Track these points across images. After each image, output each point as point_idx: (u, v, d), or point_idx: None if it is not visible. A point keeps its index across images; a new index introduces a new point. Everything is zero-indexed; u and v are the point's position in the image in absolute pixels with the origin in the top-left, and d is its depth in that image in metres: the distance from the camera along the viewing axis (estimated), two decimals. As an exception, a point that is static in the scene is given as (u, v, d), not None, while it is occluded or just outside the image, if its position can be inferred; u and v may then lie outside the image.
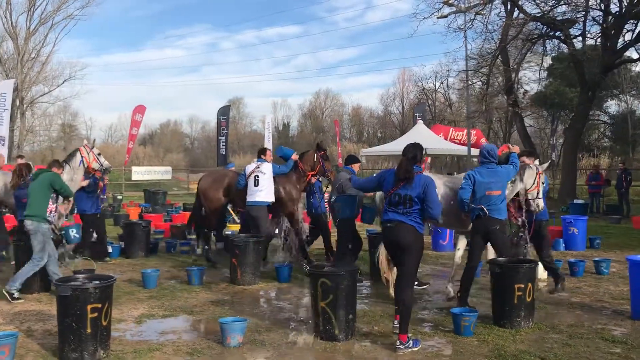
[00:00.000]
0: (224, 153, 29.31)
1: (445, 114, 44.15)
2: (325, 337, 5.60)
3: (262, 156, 9.36)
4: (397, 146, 21.21)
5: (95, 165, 9.61)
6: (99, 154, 9.73)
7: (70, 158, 9.55)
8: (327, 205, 9.72)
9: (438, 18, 20.98)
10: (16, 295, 7.10)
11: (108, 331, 5.23)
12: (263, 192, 8.98)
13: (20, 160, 8.73)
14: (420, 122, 27.73)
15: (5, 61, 44.23)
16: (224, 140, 29.17)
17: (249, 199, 9.05)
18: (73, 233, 8.09)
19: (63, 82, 47.57)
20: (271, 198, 9.10)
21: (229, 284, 8.26)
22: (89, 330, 4.99)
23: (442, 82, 33.18)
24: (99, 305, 5.03)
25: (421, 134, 25.74)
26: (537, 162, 7.87)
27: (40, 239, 7.10)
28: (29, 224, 7.12)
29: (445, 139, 27.07)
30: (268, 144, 33.54)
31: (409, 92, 57.17)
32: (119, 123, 65.33)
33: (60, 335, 5.08)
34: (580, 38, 22.54)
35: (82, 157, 9.48)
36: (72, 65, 56.04)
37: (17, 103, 41.12)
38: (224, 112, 29.98)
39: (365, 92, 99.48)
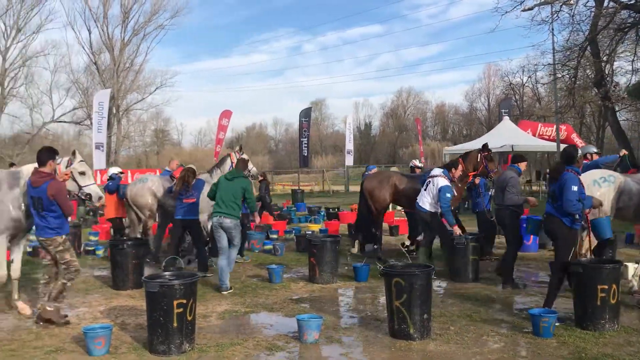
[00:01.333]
0: (305, 154, 29.79)
1: (534, 109, 42.52)
2: (400, 336, 5.65)
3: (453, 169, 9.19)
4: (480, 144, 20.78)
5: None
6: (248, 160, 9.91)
7: (221, 163, 10.16)
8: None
9: (522, 11, 20.28)
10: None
11: (193, 325, 5.55)
12: (428, 201, 8.74)
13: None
14: (506, 118, 26.92)
15: (102, 72, 47.12)
16: (306, 142, 29.64)
17: (420, 203, 8.89)
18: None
19: (155, 90, 50.09)
20: (431, 209, 8.78)
21: (308, 283, 8.47)
22: (175, 325, 5.31)
23: (529, 77, 31.99)
24: (184, 301, 5.35)
25: (508, 130, 25.03)
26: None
27: (236, 235, 7.95)
28: (228, 222, 7.84)
29: (534, 135, 26.08)
30: (349, 145, 33.73)
31: (495, 88, 55.65)
32: (208, 127, 68.02)
33: (149, 329, 5.45)
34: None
35: (231, 162, 9.97)
36: (164, 74, 58.80)
37: (114, 111, 43.69)
38: (306, 114, 30.47)
39: (449, 89, 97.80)
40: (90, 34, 47.29)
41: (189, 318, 5.44)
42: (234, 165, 9.62)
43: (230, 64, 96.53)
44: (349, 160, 34.27)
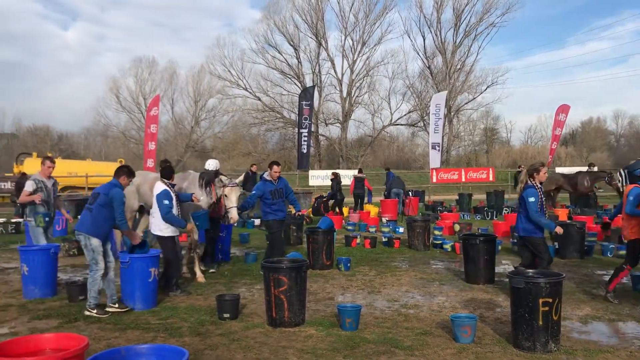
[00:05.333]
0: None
1: None
2: None
3: None
4: None
5: None
6: None
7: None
8: None
9: None
10: None
11: (558, 326, 5.42)
12: None
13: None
14: None
15: (435, 75, 49.33)
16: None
17: None
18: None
19: (486, 89, 50.26)
20: None
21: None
22: (540, 323, 5.28)
23: None
24: (550, 300, 5.27)
25: None
26: None
27: None
28: None
29: None
30: None
31: None
32: (538, 124, 65.26)
33: (513, 324, 5.52)
34: None
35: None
36: (494, 72, 58.62)
37: (445, 112, 45.29)
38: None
39: None
40: (424, 40, 50.12)
41: (555, 317, 5.33)
42: None
43: (564, 56, 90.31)
44: None
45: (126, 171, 7.12)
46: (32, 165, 27.15)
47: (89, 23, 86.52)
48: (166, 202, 7.47)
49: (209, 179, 8.89)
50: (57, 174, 27.84)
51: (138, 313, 6.81)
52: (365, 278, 8.86)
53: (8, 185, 24.57)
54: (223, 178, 8.89)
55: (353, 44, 48.08)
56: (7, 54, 79.74)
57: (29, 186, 8.47)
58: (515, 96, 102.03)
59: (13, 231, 15.41)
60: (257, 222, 15.97)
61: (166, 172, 7.85)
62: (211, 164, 9.29)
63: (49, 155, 8.29)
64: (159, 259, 7.37)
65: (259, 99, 48.93)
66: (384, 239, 12.48)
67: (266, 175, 8.98)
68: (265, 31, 48.01)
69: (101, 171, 27.59)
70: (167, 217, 7.49)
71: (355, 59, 48.25)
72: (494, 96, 70.95)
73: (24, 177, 15.74)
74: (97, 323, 6.40)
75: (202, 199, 8.76)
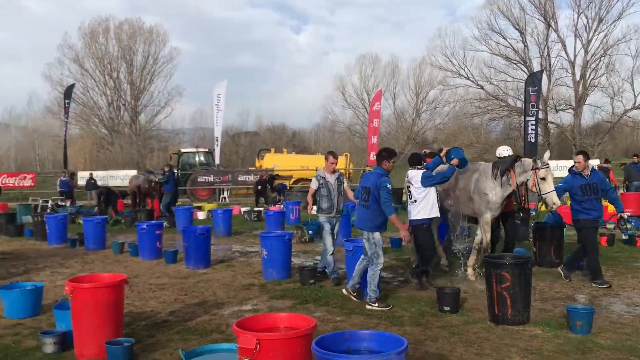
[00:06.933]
0: None
1: None
2: None
3: None
4: None
5: None
6: None
7: None
8: None
9: None
10: None
11: None
12: None
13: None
14: None
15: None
16: None
17: None
18: None
19: None
20: None
21: None
22: None
23: None
24: None
25: None
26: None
27: None
28: None
29: None
30: None
31: None
32: None
33: None
34: None
35: None
36: None
37: None
38: None
39: None
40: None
41: None
42: None
43: None
44: None
45: (385, 155, 6.97)
46: (271, 160, 30.12)
47: (318, 25, 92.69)
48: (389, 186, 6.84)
49: (506, 167, 7.90)
50: (291, 167, 30.34)
51: (363, 300, 7.15)
52: (600, 279, 8.08)
53: (251, 178, 27.49)
54: (528, 161, 7.78)
55: (587, 22, 43.76)
56: (251, 60, 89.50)
57: (313, 183, 8.47)
58: None
59: (255, 219, 17.28)
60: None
61: (413, 159, 7.89)
62: (506, 150, 8.78)
63: (331, 151, 8.67)
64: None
65: (482, 88, 47.39)
66: (623, 237, 11.22)
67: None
68: (489, 17, 46.27)
69: (329, 164, 29.32)
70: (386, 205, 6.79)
71: (590, 38, 43.88)
72: None
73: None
74: (326, 306, 6.88)
75: (494, 192, 7.96)
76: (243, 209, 19.13)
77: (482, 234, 8.11)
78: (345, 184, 8.53)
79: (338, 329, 5.81)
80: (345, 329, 5.42)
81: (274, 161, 29.71)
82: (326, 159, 8.42)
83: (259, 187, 21.77)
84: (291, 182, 27.66)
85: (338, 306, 6.87)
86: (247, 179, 27.80)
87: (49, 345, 5.30)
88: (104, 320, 5.15)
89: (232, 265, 9.92)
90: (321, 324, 5.94)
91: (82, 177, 31.78)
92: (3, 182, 29.97)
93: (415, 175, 7.62)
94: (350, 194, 8.45)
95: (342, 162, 29.58)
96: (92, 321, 5.10)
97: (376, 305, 6.71)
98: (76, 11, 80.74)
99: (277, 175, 23.36)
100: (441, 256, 8.86)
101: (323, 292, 7.60)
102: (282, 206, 17.58)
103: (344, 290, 7.21)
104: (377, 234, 6.76)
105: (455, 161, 7.91)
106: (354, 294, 7.08)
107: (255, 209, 18.61)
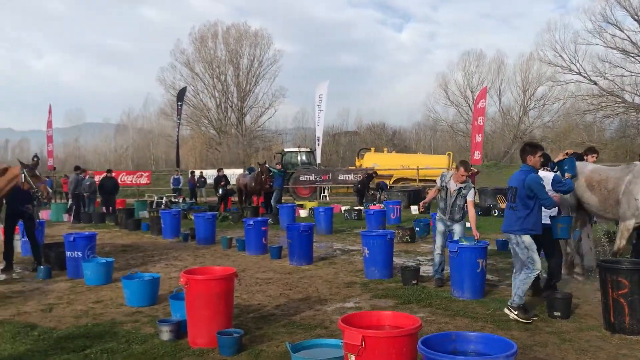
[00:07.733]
0: None
1: None
2: None
3: None
4: None
5: None
6: None
7: None
8: None
9: None
10: None
11: None
12: None
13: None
14: None
15: None
16: None
17: None
18: None
19: None
20: None
21: None
22: None
23: None
24: None
25: None
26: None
27: None
28: None
29: None
30: None
31: None
32: None
33: None
34: None
35: None
36: None
37: None
38: None
39: None
40: None
41: None
42: None
43: None
44: None
45: (529, 150, 6.35)
46: (371, 159, 30.16)
47: (421, 23, 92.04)
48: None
49: None
50: (391, 167, 30.32)
51: (466, 302, 7.00)
52: None
53: (351, 177, 27.69)
54: None
55: None
56: (352, 60, 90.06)
57: (437, 181, 8.25)
58: None
59: (356, 217, 17.41)
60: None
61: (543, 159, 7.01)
62: None
63: (465, 161, 7.97)
64: (486, 251, 7.42)
65: (595, 83, 44.53)
66: None
67: None
68: (604, 8, 43.31)
69: (430, 164, 28.96)
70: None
71: None
72: None
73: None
74: (429, 307, 6.80)
75: None
76: (343, 208, 19.34)
77: (618, 239, 7.48)
78: (470, 199, 7.90)
79: (442, 330, 5.74)
80: (451, 331, 5.33)
81: (374, 160, 29.75)
82: (457, 168, 7.94)
83: (359, 186, 21.89)
84: (391, 182, 27.56)
85: (442, 307, 6.77)
86: (347, 178, 28.05)
87: (165, 333, 5.66)
88: (215, 311, 5.42)
89: (334, 262, 10.06)
90: (425, 325, 5.88)
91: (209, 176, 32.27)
92: (122, 179, 32.26)
93: (545, 176, 6.96)
94: (472, 214, 7.88)
95: (444, 162, 29.08)
96: (204, 312, 5.39)
97: (516, 312, 6.17)
98: (188, 17, 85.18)
99: (375, 173, 23.38)
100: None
101: (426, 293, 7.52)
102: (382, 206, 17.58)
103: (505, 310, 6.34)
104: (527, 237, 6.21)
105: (568, 175, 7.55)
106: (516, 312, 6.23)
107: (356, 207, 18.76)
